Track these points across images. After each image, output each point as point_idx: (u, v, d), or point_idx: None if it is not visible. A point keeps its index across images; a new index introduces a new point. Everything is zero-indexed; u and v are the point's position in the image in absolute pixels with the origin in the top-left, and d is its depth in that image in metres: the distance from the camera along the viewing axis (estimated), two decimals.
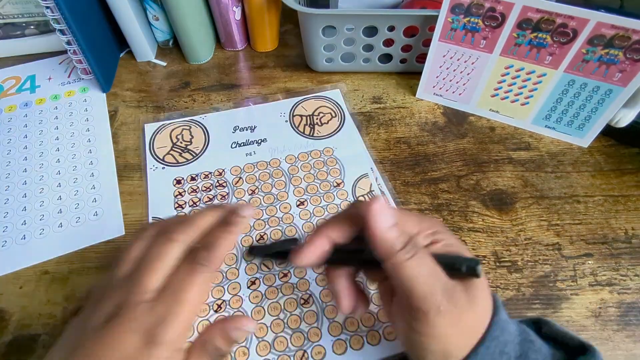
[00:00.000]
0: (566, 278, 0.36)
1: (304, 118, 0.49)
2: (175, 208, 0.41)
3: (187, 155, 0.46)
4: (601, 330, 0.33)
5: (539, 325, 0.27)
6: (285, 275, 0.36)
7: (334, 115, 0.49)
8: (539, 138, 0.47)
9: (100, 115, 0.50)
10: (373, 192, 0.42)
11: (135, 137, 0.47)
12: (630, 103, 0.41)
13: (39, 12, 0.55)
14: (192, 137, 0.47)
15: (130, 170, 0.44)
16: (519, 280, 0.36)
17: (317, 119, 0.49)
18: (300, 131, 0.48)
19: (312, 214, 0.41)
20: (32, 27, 0.56)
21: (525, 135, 0.47)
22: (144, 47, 0.55)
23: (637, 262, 0.37)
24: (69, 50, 0.49)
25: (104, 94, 0.52)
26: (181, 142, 0.47)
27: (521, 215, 0.40)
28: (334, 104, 0.50)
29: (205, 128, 0.48)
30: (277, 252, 0.36)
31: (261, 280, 0.36)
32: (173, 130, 0.48)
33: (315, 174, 0.44)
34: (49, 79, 0.54)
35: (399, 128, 0.48)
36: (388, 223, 0.23)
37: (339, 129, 0.48)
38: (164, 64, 0.57)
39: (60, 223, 0.40)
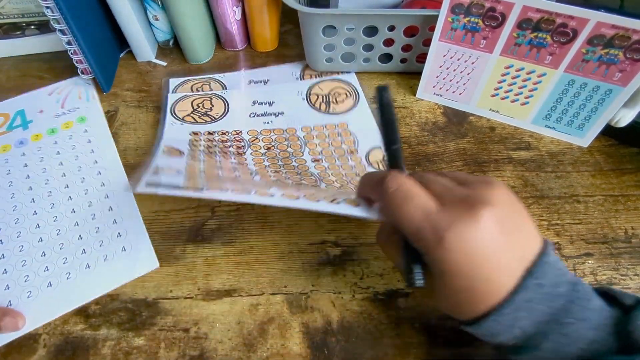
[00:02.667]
0: None
1: (320, 97, 0.51)
2: (190, 147, 0.43)
3: (206, 118, 0.48)
4: None
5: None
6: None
7: (349, 95, 0.51)
8: (539, 138, 0.47)
9: (106, 145, 0.46)
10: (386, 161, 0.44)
11: (136, 137, 0.47)
12: (630, 103, 0.41)
13: (39, 12, 0.55)
14: (213, 106, 0.50)
15: (131, 169, 0.44)
16: None
17: (332, 97, 0.51)
18: (316, 107, 0.50)
19: (327, 169, 0.42)
20: (32, 27, 0.56)
21: (525, 135, 0.47)
22: (144, 47, 0.55)
23: (637, 262, 0.37)
24: (69, 50, 0.49)
25: (105, 122, 0.49)
26: (201, 109, 0.49)
27: None
28: (348, 84, 0.53)
29: (226, 99, 0.51)
30: None
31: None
32: (195, 100, 0.50)
33: (330, 142, 0.46)
34: (40, 111, 0.49)
35: (399, 128, 0.48)
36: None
37: (354, 107, 0.50)
38: (165, 64, 0.57)
39: (87, 264, 0.36)
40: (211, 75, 0.54)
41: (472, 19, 0.42)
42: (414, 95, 0.51)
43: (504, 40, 0.43)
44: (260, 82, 0.54)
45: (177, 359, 0.32)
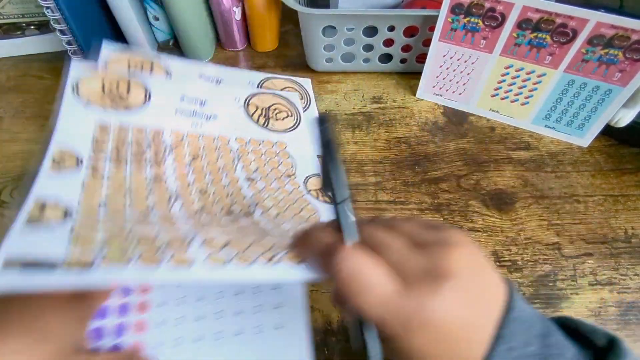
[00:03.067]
0: (566, 277, 0.36)
1: (260, 109, 0.46)
2: (93, 148, 0.34)
3: (120, 103, 0.38)
4: None
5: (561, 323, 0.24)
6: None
7: (289, 114, 0.46)
8: (538, 138, 0.47)
9: None
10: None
11: None
12: (630, 103, 0.41)
13: (39, 12, 0.55)
14: (130, 91, 0.39)
15: None
16: (519, 280, 0.36)
17: (272, 113, 0.46)
18: (254, 120, 0.44)
19: (263, 190, 0.36)
20: (32, 27, 0.56)
21: (525, 135, 0.47)
22: (144, 46, 0.55)
23: (636, 262, 0.37)
24: (69, 50, 0.49)
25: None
26: (114, 92, 0.39)
27: (521, 215, 0.40)
28: (291, 104, 0.47)
29: (147, 87, 0.40)
30: None
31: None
32: (106, 77, 0.39)
33: (266, 161, 0.40)
34: None
35: (399, 128, 0.48)
36: None
37: (294, 128, 0.45)
38: None
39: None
40: (161, 54, 0.45)
41: (472, 19, 0.42)
42: (414, 95, 0.51)
43: (504, 40, 0.43)
44: (213, 80, 0.46)
45: None
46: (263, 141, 0.42)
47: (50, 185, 0.29)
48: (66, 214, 0.27)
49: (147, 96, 0.40)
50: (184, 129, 0.40)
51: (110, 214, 0.29)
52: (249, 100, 0.45)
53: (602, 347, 0.21)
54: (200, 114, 0.42)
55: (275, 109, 0.46)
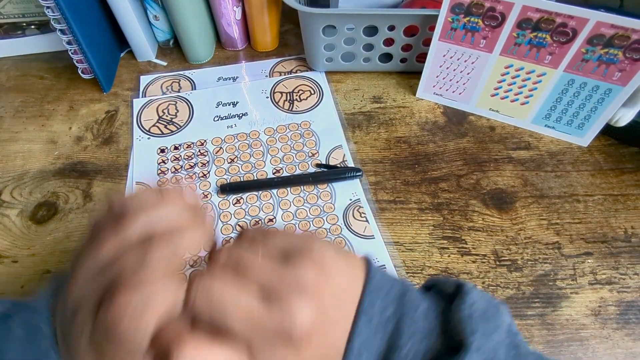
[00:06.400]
0: (566, 277, 0.36)
1: (284, 94, 0.52)
2: (158, 174, 0.44)
3: (171, 127, 0.48)
4: (601, 328, 0.33)
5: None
6: None
7: (312, 92, 0.52)
8: (538, 137, 0.47)
9: None
10: (345, 162, 0.44)
11: None
12: (630, 102, 0.41)
13: (39, 12, 0.55)
14: (177, 111, 0.50)
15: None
16: (519, 279, 0.36)
17: (296, 95, 0.52)
18: (280, 106, 0.50)
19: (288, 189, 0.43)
20: (32, 27, 0.56)
21: (525, 135, 0.47)
22: (144, 46, 0.55)
23: (636, 261, 0.37)
24: (70, 50, 0.49)
25: None
26: (166, 116, 0.49)
27: (521, 214, 0.40)
28: (313, 82, 0.53)
29: (190, 103, 0.51)
30: (248, 187, 0.42)
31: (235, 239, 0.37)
32: (160, 105, 0.50)
33: (292, 145, 0.46)
34: None
35: (399, 127, 0.48)
36: None
37: (317, 104, 0.50)
38: (165, 63, 0.57)
39: None
40: (181, 72, 0.55)
41: (472, 19, 0.42)
42: (414, 94, 0.51)
43: (504, 40, 0.43)
44: (229, 79, 0.54)
45: None
46: (289, 125, 0.48)
47: None
48: None
49: (191, 111, 0.49)
50: (222, 134, 0.47)
51: None
52: (274, 89, 0.52)
53: (451, 293, 0.22)
54: (234, 115, 0.49)
55: (299, 90, 0.52)
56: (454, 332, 0.20)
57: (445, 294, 0.23)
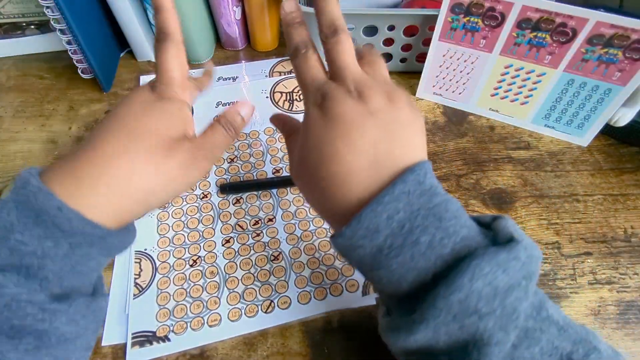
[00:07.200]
0: (566, 277, 0.36)
1: (284, 94, 0.52)
2: None
3: None
4: (600, 328, 0.33)
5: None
6: (257, 234, 0.39)
7: None
8: (538, 137, 0.47)
9: None
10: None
11: None
12: (630, 102, 0.41)
13: (39, 12, 0.55)
14: None
15: None
16: None
17: (296, 95, 0.52)
18: (279, 106, 0.50)
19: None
20: (32, 27, 0.56)
21: (525, 135, 0.47)
22: (144, 46, 0.55)
23: (636, 261, 0.37)
24: (70, 50, 0.49)
25: None
26: None
27: (521, 214, 0.40)
28: None
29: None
30: (248, 187, 0.41)
31: (235, 238, 0.38)
32: None
33: None
34: None
35: None
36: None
37: None
38: None
39: None
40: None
41: (472, 19, 0.42)
42: (414, 94, 0.51)
43: (504, 39, 0.43)
44: (229, 79, 0.54)
45: (177, 358, 0.32)
46: None
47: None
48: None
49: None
50: None
51: None
52: (274, 89, 0.52)
53: (488, 222, 0.23)
54: None
55: (299, 90, 0.51)
56: (499, 236, 0.21)
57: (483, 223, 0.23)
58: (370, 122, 0.22)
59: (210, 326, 0.33)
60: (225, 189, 0.42)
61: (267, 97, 0.51)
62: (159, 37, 0.27)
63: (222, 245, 0.38)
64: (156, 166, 0.23)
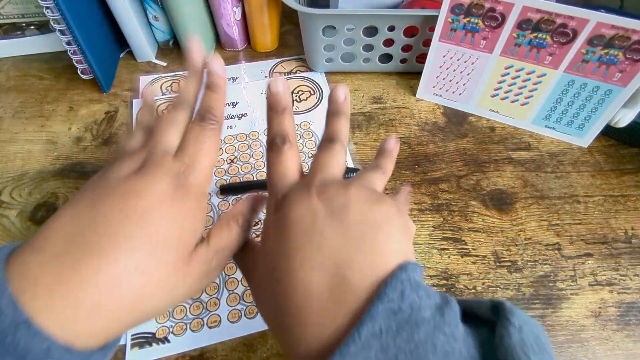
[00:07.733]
0: (566, 278, 0.36)
1: None
2: None
3: None
4: (601, 330, 0.33)
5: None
6: (257, 235, 0.39)
7: (312, 92, 0.52)
8: (539, 138, 0.47)
9: None
10: (345, 163, 0.45)
11: None
12: (630, 103, 0.41)
13: (39, 12, 0.55)
14: None
15: None
16: (519, 280, 0.36)
17: (296, 96, 0.52)
18: None
19: None
20: (32, 27, 0.56)
21: (525, 135, 0.47)
22: (144, 47, 0.55)
23: (636, 262, 0.37)
24: (69, 50, 0.48)
25: None
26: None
27: (521, 215, 0.40)
28: (313, 82, 0.53)
29: None
30: (248, 188, 0.41)
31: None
32: (159, 105, 0.50)
33: None
34: None
35: (399, 128, 0.48)
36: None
37: (317, 105, 0.51)
38: (165, 64, 0.57)
39: None
40: (181, 72, 0.55)
41: (472, 20, 0.42)
42: (414, 95, 0.51)
43: (504, 40, 0.43)
44: (229, 79, 0.54)
45: (176, 359, 0.32)
46: None
47: None
48: None
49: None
50: (222, 134, 0.48)
51: None
52: None
53: (487, 319, 0.18)
54: (233, 116, 0.49)
55: (299, 91, 0.52)
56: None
57: (483, 319, 0.18)
58: (329, 227, 0.18)
59: (209, 327, 0.33)
60: (225, 190, 0.42)
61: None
62: (210, 124, 0.23)
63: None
64: (171, 289, 0.19)
